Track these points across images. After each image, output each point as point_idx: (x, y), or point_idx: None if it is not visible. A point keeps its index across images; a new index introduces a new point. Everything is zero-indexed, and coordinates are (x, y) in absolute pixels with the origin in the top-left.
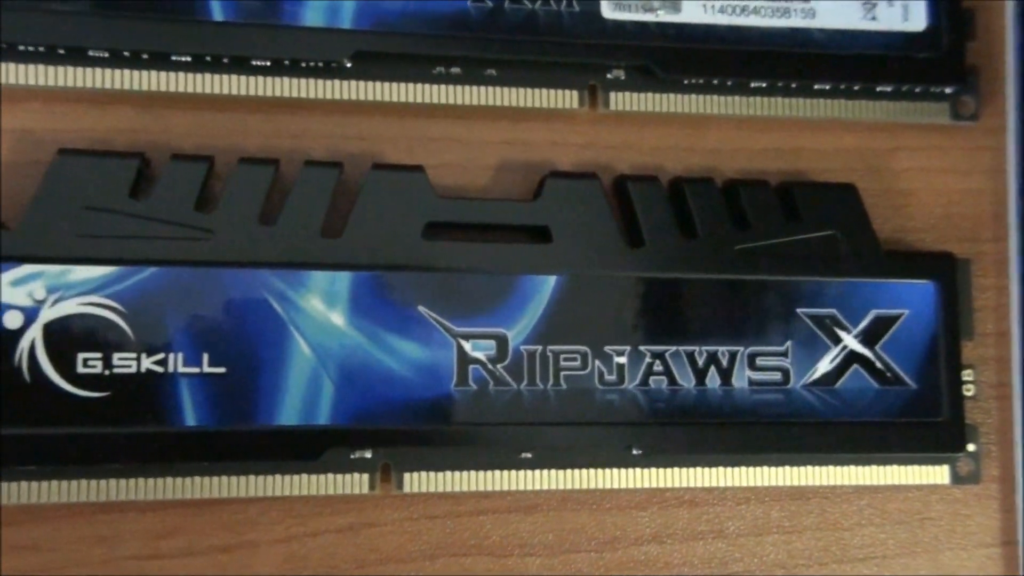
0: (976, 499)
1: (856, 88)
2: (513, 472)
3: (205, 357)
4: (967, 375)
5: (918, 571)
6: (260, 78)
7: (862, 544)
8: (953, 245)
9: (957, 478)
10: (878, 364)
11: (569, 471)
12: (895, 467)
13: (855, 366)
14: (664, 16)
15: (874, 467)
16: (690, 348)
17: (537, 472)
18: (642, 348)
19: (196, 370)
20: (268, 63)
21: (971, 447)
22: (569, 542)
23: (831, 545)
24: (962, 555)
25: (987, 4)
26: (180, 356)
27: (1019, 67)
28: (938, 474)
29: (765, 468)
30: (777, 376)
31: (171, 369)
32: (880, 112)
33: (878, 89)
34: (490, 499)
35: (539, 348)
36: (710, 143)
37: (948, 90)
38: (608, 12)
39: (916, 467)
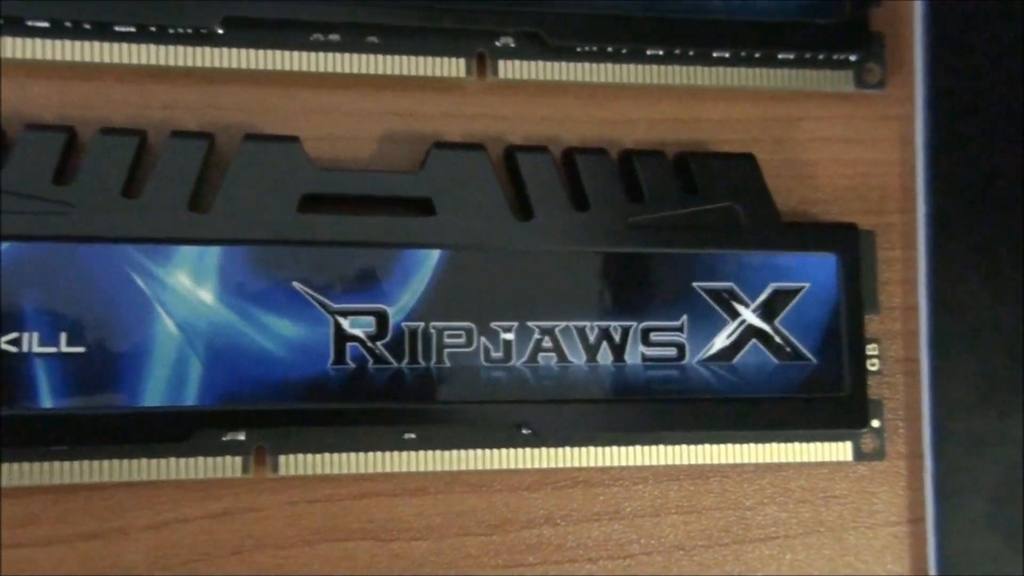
0: (882, 476)
1: (757, 56)
2: (396, 454)
3: (63, 336)
4: (871, 349)
5: (822, 550)
6: (125, 45)
7: (764, 523)
8: (859, 217)
9: (861, 455)
10: (777, 339)
11: (455, 452)
12: (796, 444)
13: (753, 341)
14: None
15: (775, 444)
16: (581, 324)
17: (421, 453)
18: (530, 324)
19: (53, 350)
20: (133, 29)
21: (875, 423)
22: (458, 525)
23: (732, 524)
24: (868, 534)
25: None
26: (36, 335)
27: (927, 33)
28: (841, 451)
29: (661, 447)
30: (672, 352)
31: (26, 349)
32: (782, 80)
33: (779, 57)
34: (373, 482)
35: (421, 325)
36: (606, 113)
37: (852, 57)
38: None
39: (818, 444)
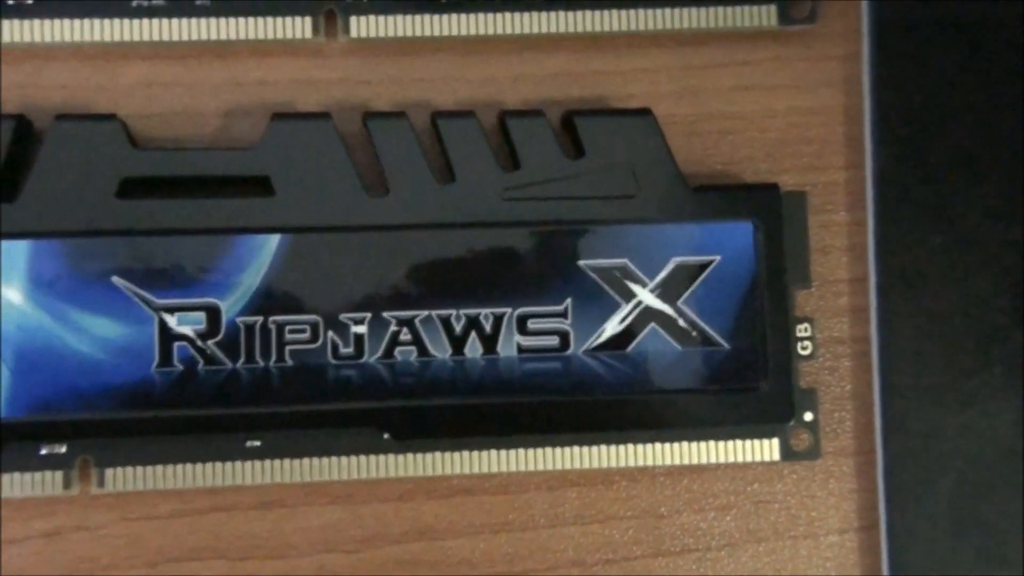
0: (824, 477)
1: None
2: (239, 464)
3: None
4: (802, 330)
5: (752, 564)
6: None
7: (681, 533)
8: (796, 176)
9: (790, 453)
10: (681, 322)
11: (309, 460)
12: (713, 443)
13: (651, 325)
14: None
15: (688, 444)
16: (445, 312)
17: (268, 463)
18: (386, 315)
19: None
20: None
21: (807, 416)
22: (320, 541)
23: (642, 536)
24: (808, 544)
25: None
26: None
27: None
28: (767, 449)
29: (551, 449)
30: (553, 341)
31: None
32: (692, 20)
33: None
34: (222, 495)
35: (259, 320)
36: (486, 71)
37: None
38: None
39: (739, 442)
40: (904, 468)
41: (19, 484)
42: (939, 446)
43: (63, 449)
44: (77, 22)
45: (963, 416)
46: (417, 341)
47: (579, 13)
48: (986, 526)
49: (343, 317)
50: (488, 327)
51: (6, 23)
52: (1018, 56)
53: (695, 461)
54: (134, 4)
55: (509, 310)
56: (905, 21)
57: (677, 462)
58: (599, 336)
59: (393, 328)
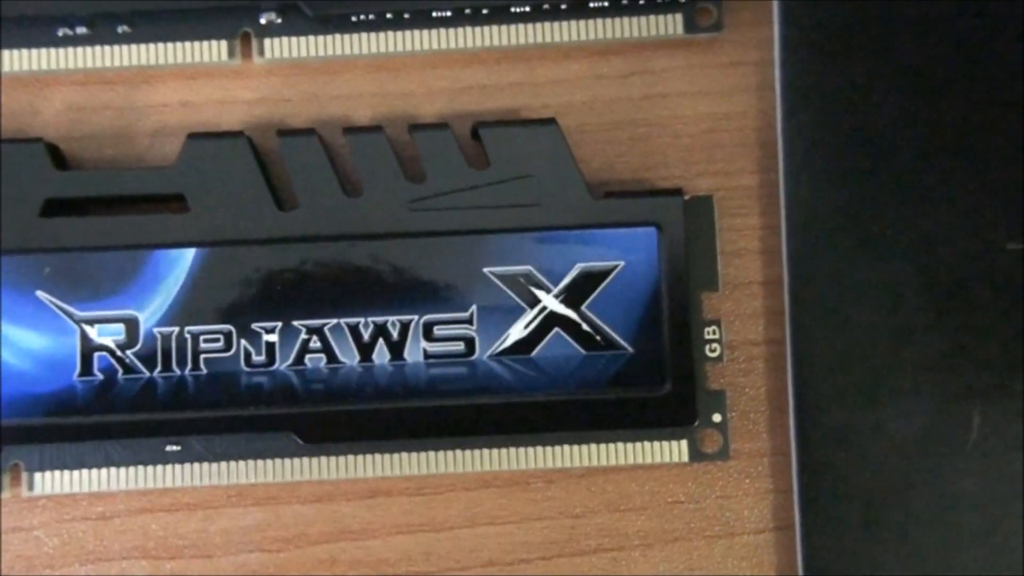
0: (738, 478)
1: (563, 7)
2: (160, 467)
3: None
4: (710, 333)
5: (667, 563)
6: None
7: (595, 533)
8: (709, 180)
9: (699, 454)
10: (584, 326)
11: (227, 464)
12: (622, 444)
13: (556, 330)
14: None
15: (596, 445)
16: (353, 320)
17: (188, 466)
18: (296, 323)
19: None
20: None
21: (715, 417)
22: (243, 542)
23: (558, 536)
24: (723, 544)
25: None
26: None
27: None
28: (675, 450)
29: (462, 452)
30: (459, 347)
31: None
32: (598, 31)
33: (592, 5)
34: (149, 497)
35: (175, 330)
36: (402, 86)
37: None
38: None
39: (647, 444)
40: (818, 468)
41: None
42: (853, 446)
43: None
44: (6, 52)
45: (876, 416)
46: (326, 348)
47: (484, 28)
48: (900, 525)
49: (255, 326)
50: (395, 334)
51: None
52: (926, 59)
53: (606, 463)
54: (60, 34)
55: (416, 317)
56: (815, 26)
57: (588, 464)
58: (504, 341)
59: (303, 336)
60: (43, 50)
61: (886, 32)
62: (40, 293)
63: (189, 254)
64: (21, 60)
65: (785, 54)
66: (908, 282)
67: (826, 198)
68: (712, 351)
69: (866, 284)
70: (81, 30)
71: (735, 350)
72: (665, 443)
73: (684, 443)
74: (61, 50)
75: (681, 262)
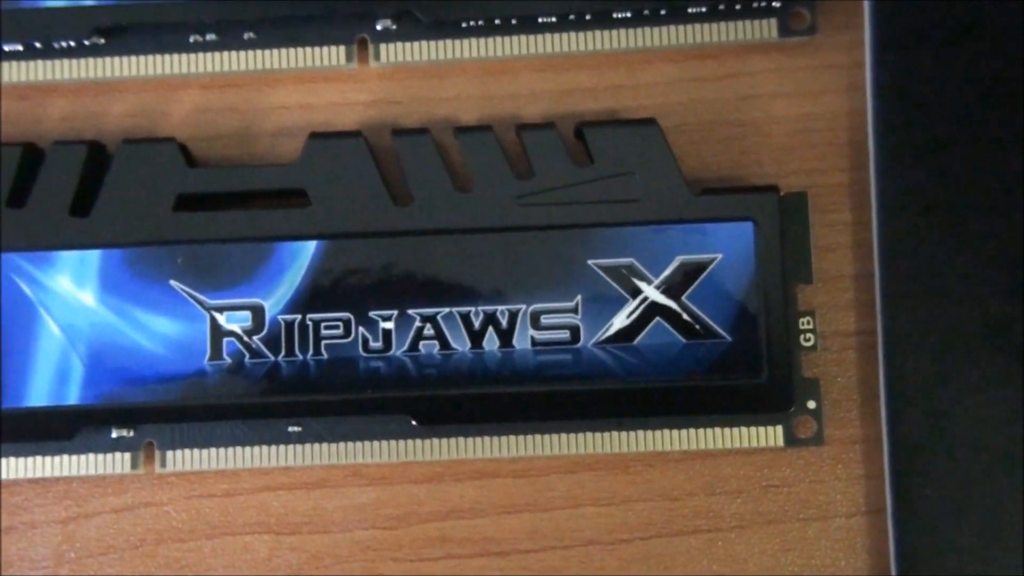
0: (831, 463)
1: (663, 13)
2: (283, 447)
3: None
4: (805, 323)
5: (761, 545)
6: (13, 63)
7: (692, 515)
8: (802, 178)
9: (794, 439)
10: (685, 316)
11: (344, 444)
12: (720, 430)
13: (657, 319)
14: None
15: (695, 430)
16: (465, 309)
17: (308, 446)
18: (411, 312)
19: None
20: (20, 48)
21: (810, 404)
22: (358, 519)
23: (657, 517)
24: (817, 526)
25: None
26: None
27: None
28: (771, 436)
29: (567, 435)
30: (564, 335)
31: None
32: (697, 36)
33: (690, 11)
34: (271, 475)
35: (298, 317)
36: (509, 88)
37: (776, 3)
38: None
39: (745, 429)
40: (909, 454)
41: (93, 464)
42: (943, 432)
43: (131, 433)
44: (142, 58)
45: (966, 403)
46: (439, 335)
47: (588, 33)
48: (990, 509)
49: (372, 314)
50: (504, 322)
51: (80, 61)
52: (1017, 58)
53: (703, 447)
54: (191, 40)
55: (523, 306)
56: (906, 28)
57: (686, 448)
58: (607, 330)
59: (418, 324)
60: (175, 55)
61: (975, 32)
62: (173, 282)
63: (311, 246)
64: (154, 65)
65: (876, 55)
66: (997, 274)
67: (916, 194)
68: (807, 340)
69: (956, 276)
70: (211, 36)
71: (828, 340)
72: (761, 429)
73: (779, 429)
74: (191, 55)
75: (776, 255)
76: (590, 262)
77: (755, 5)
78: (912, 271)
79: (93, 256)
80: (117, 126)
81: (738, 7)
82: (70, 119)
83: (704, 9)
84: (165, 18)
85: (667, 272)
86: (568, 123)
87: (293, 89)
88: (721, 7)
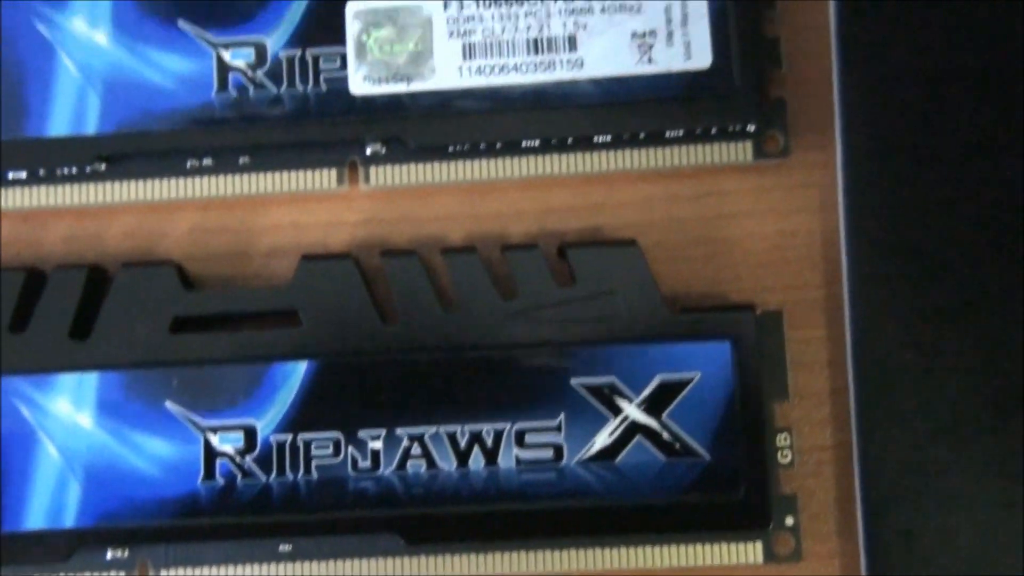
0: None
1: (642, 137)
2: (275, 564)
3: None
4: (782, 440)
5: None
6: (17, 189)
7: None
8: (778, 295)
9: (772, 556)
10: (665, 435)
11: (333, 562)
12: (699, 547)
13: (638, 438)
14: (416, 85)
15: (675, 547)
16: (451, 428)
17: (299, 563)
18: (399, 431)
19: None
20: (24, 175)
21: (788, 520)
22: None
23: None
24: None
25: (801, 26)
26: None
27: (845, 90)
28: (750, 552)
29: (547, 552)
30: (548, 453)
31: None
32: (675, 158)
33: (668, 135)
34: None
35: (289, 437)
36: (492, 207)
37: (750, 127)
38: (357, 88)
39: (723, 546)
40: (886, 569)
41: None
42: (919, 548)
43: (126, 554)
44: (141, 183)
45: (941, 519)
46: (426, 455)
47: (570, 156)
48: None
49: (362, 434)
50: (489, 441)
51: (81, 186)
52: (985, 179)
53: (685, 564)
54: (188, 165)
55: (508, 425)
56: (876, 150)
57: (668, 565)
58: (590, 448)
59: (405, 444)
60: (173, 180)
61: (944, 156)
62: (169, 403)
63: (302, 366)
64: (153, 189)
65: (848, 175)
66: (970, 391)
67: (888, 311)
68: (784, 457)
69: (929, 393)
70: (207, 161)
71: (806, 455)
72: (740, 545)
73: (759, 545)
74: (189, 179)
75: (754, 373)
76: (573, 381)
77: (730, 129)
78: (886, 387)
79: (91, 379)
80: (117, 247)
81: (714, 131)
82: (71, 241)
83: (681, 132)
84: (164, 145)
85: (648, 391)
86: (552, 241)
87: (286, 209)
88: (698, 131)
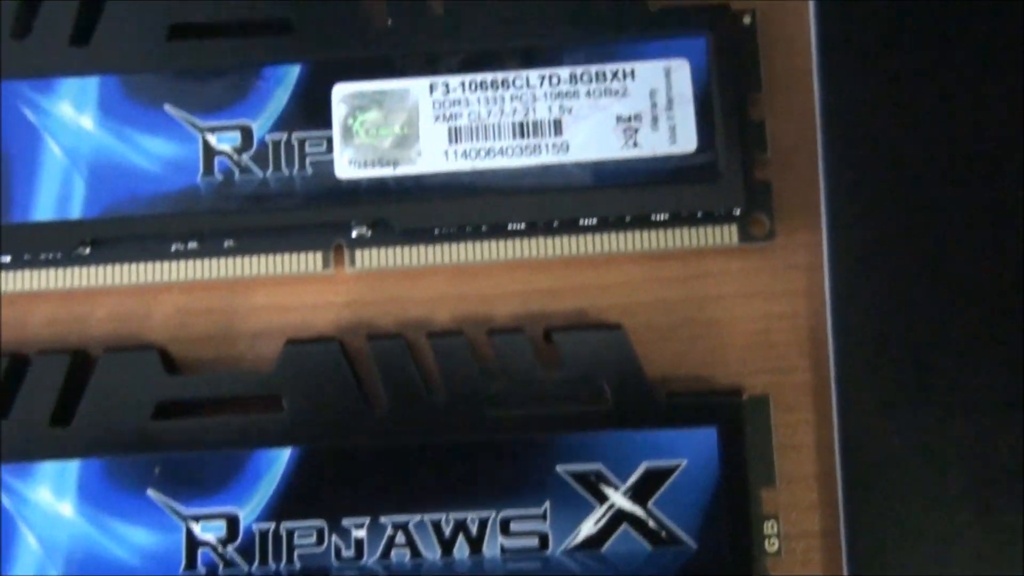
0: None
1: (628, 219)
2: None
3: None
4: (769, 527)
5: None
6: (1, 273)
7: None
8: (764, 377)
9: None
10: (650, 523)
11: None
12: None
13: (624, 526)
14: (402, 169)
15: None
16: (436, 516)
17: None
18: (383, 519)
19: None
20: (8, 259)
21: None
22: None
23: None
24: None
25: (786, 109)
26: None
27: (830, 172)
28: None
29: None
30: (533, 542)
31: None
32: (660, 241)
33: (654, 218)
34: None
35: (272, 526)
36: (481, 289)
37: (736, 211)
38: (342, 172)
39: None
40: None
41: None
42: None
43: None
44: (126, 267)
45: None
46: (411, 543)
47: (559, 238)
48: None
49: (345, 522)
50: (474, 530)
51: (65, 270)
52: (972, 262)
53: None
54: (173, 249)
55: (493, 513)
56: (860, 235)
57: None
58: (575, 537)
59: (389, 532)
60: (157, 263)
61: (931, 238)
62: (150, 492)
63: (286, 453)
64: (137, 273)
65: (834, 259)
66: (959, 475)
67: (875, 394)
68: (771, 545)
69: (918, 477)
70: (192, 245)
71: (793, 542)
72: None
73: None
74: (173, 263)
75: (740, 460)
76: (558, 468)
77: (716, 213)
78: (873, 473)
79: (73, 467)
80: (101, 330)
81: (699, 215)
82: (55, 324)
83: (667, 216)
84: (149, 229)
85: (634, 478)
86: (538, 324)
87: (271, 291)
88: (683, 214)
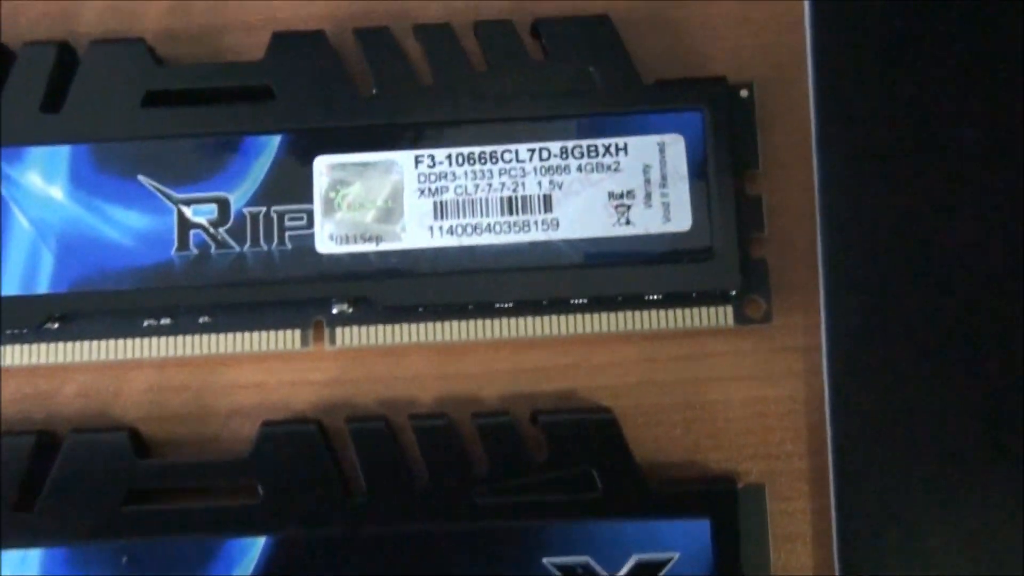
0: None
1: (619, 300)
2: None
3: None
4: None
5: None
6: None
7: None
8: (760, 463)
9: None
10: None
11: None
12: None
13: None
14: (385, 245)
15: None
16: None
17: None
18: None
19: None
20: None
21: None
22: None
23: None
24: None
25: (783, 185)
26: None
27: (829, 252)
28: None
29: None
30: None
31: None
32: (652, 322)
33: (646, 298)
34: None
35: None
36: (465, 368)
37: (731, 291)
38: (323, 247)
39: None
40: None
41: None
42: None
43: None
44: (95, 343)
45: None
46: None
47: (548, 318)
48: None
49: None
50: None
51: (31, 347)
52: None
53: None
54: (144, 324)
55: None
56: (862, 317)
57: None
58: None
59: None
60: (128, 340)
61: (932, 321)
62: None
63: (260, 542)
64: (107, 350)
65: (832, 341)
66: (961, 568)
67: (875, 484)
68: None
69: (920, 571)
70: (165, 321)
71: None
72: None
73: None
74: (145, 339)
75: (734, 551)
76: (545, 560)
77: (711, 294)
78: (872, 563)
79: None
80: (68, 407)
81: (694, 295)
82: (21, 401)
83: (660, 296)
84: (120, 306)
85: (623, 572)
86: (525, 404)
87: (248, 369)
88: (676, 294)
